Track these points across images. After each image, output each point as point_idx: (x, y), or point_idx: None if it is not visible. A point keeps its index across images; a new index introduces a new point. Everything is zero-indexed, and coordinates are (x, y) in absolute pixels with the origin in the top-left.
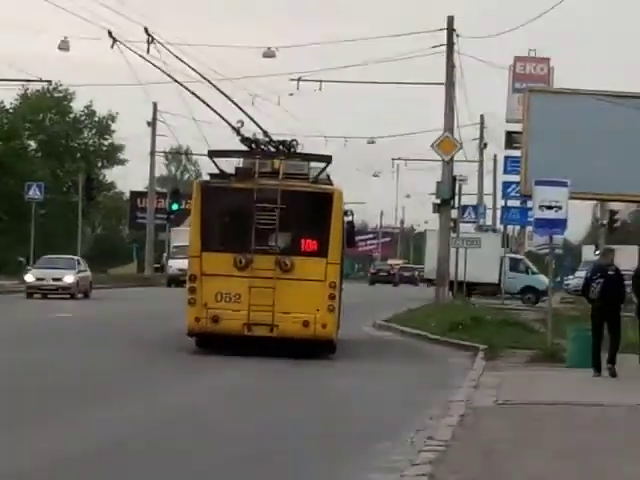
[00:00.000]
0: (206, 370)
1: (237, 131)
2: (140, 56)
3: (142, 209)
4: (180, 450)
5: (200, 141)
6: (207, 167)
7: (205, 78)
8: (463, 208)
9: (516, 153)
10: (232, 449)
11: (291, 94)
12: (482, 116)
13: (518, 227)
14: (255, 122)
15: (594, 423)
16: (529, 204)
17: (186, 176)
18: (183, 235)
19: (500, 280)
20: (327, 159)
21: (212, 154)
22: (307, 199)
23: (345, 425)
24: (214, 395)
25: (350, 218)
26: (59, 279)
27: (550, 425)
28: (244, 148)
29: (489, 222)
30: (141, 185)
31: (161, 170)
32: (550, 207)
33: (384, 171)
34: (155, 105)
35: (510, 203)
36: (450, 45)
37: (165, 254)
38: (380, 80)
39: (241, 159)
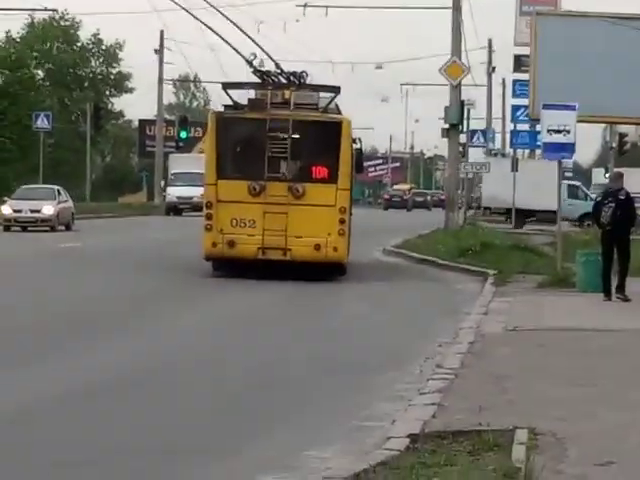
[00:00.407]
0: (217, 294)
1: (250, 63)
2: (180, 6)
3: (151, 137)
4: (183, 378)
5: (209, 67)
6: (215, 94)
7: (220, 12)
8: (472, 132)
9: (525, 76)
10: (235, 378)
11: (297, 20)
12: (490, 40)
13: (527, 151)
14: (267, 54)
15: (602, 348)
16: (538, 127)
17: (195, 103)
18: (182, 162)
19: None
20: (336, 90)
21: (226, 86)
22: (317, 128)
23: (352, 354)
24: (220, 320)
25: (358, 145)
26: (37, 210)
27: (559, 351)
28: (256, 80)
29: (498, 146)
30: (150, 113)
31: (170, 98)
32: (558, 131)
33: (393, 96)
34: (162, 33)
35: (519, 127)
36: None
37: (163, 181)
38: (387, 5)
39: (253, 90)
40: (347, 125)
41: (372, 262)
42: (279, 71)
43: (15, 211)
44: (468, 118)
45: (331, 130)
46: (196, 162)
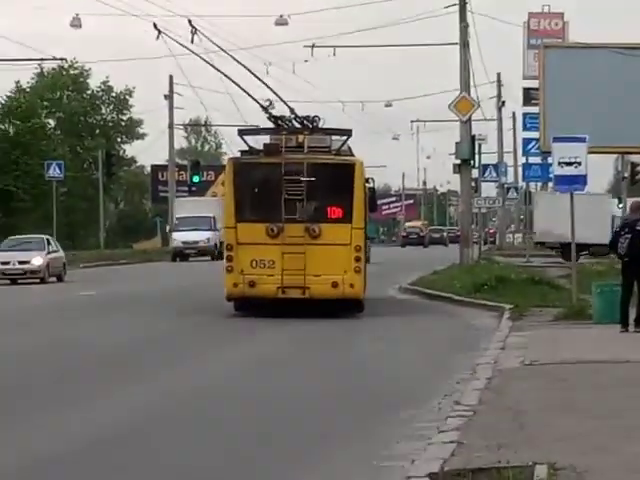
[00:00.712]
0: (240, 336)
1: (265, 109)
2: (183, 46)
3: (164, 182)
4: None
5: (219, 111)
6: (227, 137)
7: (241, 64)
8: (484, 167)
9: (535, 109)
10: (261, 420)
11: (306, 61)
12: (499, 74)
13: (540, 183)
14: (282, 99)
15: (622, 381)
16: (550, 160)
17: (206, 147)
18: (187, 206)
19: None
20: (347, 132)
21: (242, 132)
22: (331, 170)
23: (371, 392)
24: (244, 363)
25: (371, 185)
26: (26, 262)
27: (578, 384)
28: (270, 125)
29: (511, 179)
30: (162, 158)
31: (181, 142)
32: (570, 163)
33: (403, 133)
34: (171, 78)
35: (531, 160)
36: (463, 4)
37: (168, 226)
38: (394, 43)
39: (268, 136)
40: (359, 166)
41: (388, 300)
42: (293, 116)
43: (3, 263)
44: (479, 153)
45: (344, 171)
46: (201, 206)
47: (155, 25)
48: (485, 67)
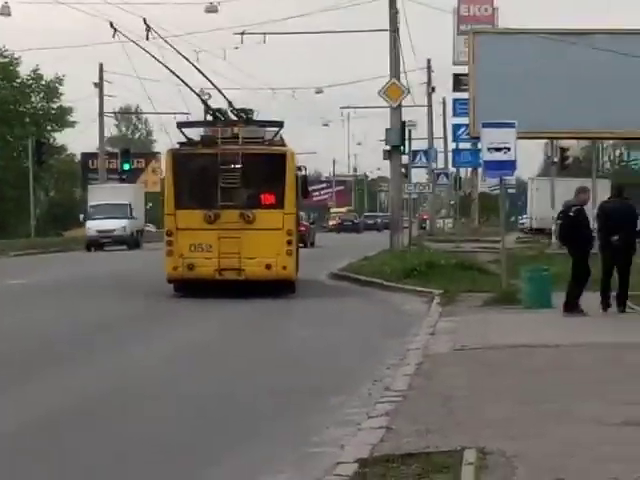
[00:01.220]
0: (180, 315)
1: (205, 103)
2: (137, 44)
3: (94, 170)
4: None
5: (149, 98)
6: (156, 125)
7: (193, 64)
8: (414, 153)
9: (465, 95)
10: (186, 407)
11: (236, 48)
12: (429, 60)
13: (470, 169)
14: (221, 93)
15: (552, 365)
16: (479, 146)
17: (137, 135)
18: (101, 193)
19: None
20: (279, 124)
21: (180, 125)
22: (263, 159)
23: (300, 378)
24: (174, 349)
25: (303, 172)
26: None
27: (507, 369)
28: (208, 117)
29: (441, 165)
30: (92, 147)
31: (112, 130)
32: (499, 149)
33: (334, 120)
34: (101, 66)
35: (461, 145)
36: None
37: (82, 215)
38: (324, 30)
39: (205, 128)
40: (290, 156)
41: (318, 285)
42: (230, 108)
43: None
44: (410, 139)
45: (276, 161)
46: (117, 193)
47: (112, 24)
48: (415, 53)
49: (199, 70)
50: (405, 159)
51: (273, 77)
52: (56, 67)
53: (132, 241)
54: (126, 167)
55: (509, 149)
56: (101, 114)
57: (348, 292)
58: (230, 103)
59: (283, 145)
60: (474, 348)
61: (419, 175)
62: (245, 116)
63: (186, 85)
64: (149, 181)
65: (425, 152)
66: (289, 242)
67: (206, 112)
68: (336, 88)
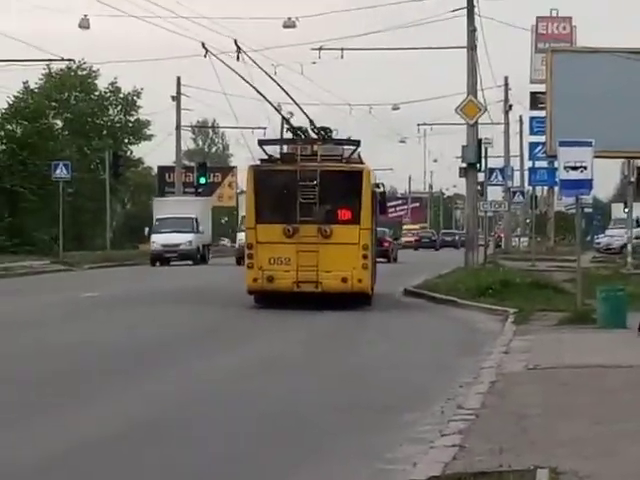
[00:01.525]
0: (255, 329)
1: (287, 121)
2: (228, 66)
3: (170, 184)
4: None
5: (226, 113)
6: (233, 139)
7: (279, 85)
8: (490, 171)
9: (541, 114)
10: (263, 419)
11: (314, 62)
12: (506, 78)
13: (546, 187)
14: (304, 112)
15: (624, 385)
16: (556, 164)
17: (213, 149)
18: (167, 206)
19: None
20: (356, 143)
21: (261, 143)
22: (341, 176)
23: (375, 394)
24: (248, 362)
25: (381, 189)
26: None
27: (581, 389)
28: (288, 134)
29: (517, 183)
30: (169, 160)
31: (188, 144)
32: (575, 167)
33: (410, 137)
34: (179, 79)
35: (537, 164)
36: (470, 8)
37: (147, 228)
38: (402, 46)
39: (285, 145)
40: (367, 173)
41: (394, 301)
42: (312, 127)
43: None
44: (486, 156)
45: (353, 178)
46: (183, 206)
47: (203, 44)
48: (492, 71)
49: (284, 90)
50: (481, 177)
51: (350, 93)
52: (134, 80)
53: (197, 256)
54: (202, 181)
55: (586, 168)
56: (178, 127)
57: (423, 309)
58: (311, 122)
59: (360, 163)
60: (548, 367)
61: (495, 193)
62: (325, 134)
63: (271, 105)
64: (225, 195)
65: (501, 170)
66: (365, 256)
67: (287, 129)
68: (413, 105)
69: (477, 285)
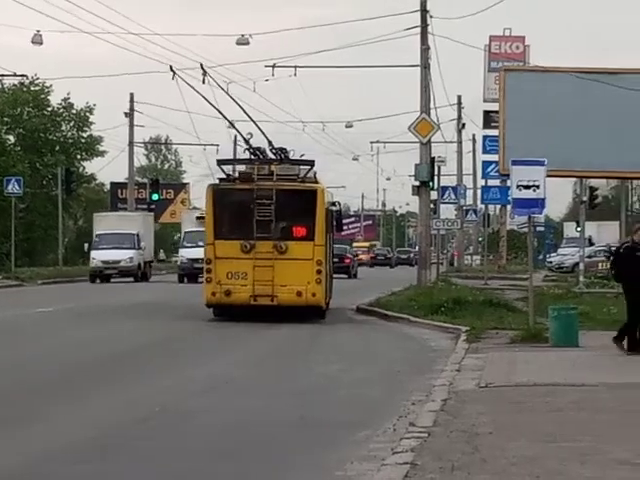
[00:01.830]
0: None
1: (247, 141)
2: (195, 90)
3: (123, 200)
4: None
5: (180, 131)
6: (186, 155)
7: (243, 109)
8: (443, 189)
9: (495, 132)
10: (212, 436)
11: (267, 80)
12: (459, 96)
13: (499, 206)
14: (263, 133)
15: (578, 404)
16: (508, 183)
17: (166, 165)
18: (108, 222)
19: None
20: (311, 163)
21: (220, 162)
22: (296, 195)
23: (325, 412)
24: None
25: (337, 207)
26: None
27: (533, 407)
28: (246, 154)
29: (469, 202)
30: (121, 176)
31: (141, 160)
32: (528, 186)
33: (363, 154)
34: (132, 95)
35: (490, 182)
36: (424, 26)
37: (87, 244)
38: (355, 64)
39: (243, 165)
40: (321, 192)
41: (346, 318)
42: (270, 147)
43: None
44: (439, 175)
45: (308, 197)
46: (124, 221)
47: (171, 67)
48: (446, 89)
49: (246, 112)
50: (434, 195)
51: (303, 111)
52: (87, 96)
53: (139, 273)
54: (155, 197)
55: (538, 187)
56: (131, 144)
57: (375, 325)
58: (270, 142)
59: (315, 182)
60: (500, 386)
61: (447, 211)
62: (282, 154)
63: (233, 127)
64: (177, 212)
65: (454, 188)
66: (319, 271)
67: (246, 149)
68: (366, 123)
69: (430, 303)
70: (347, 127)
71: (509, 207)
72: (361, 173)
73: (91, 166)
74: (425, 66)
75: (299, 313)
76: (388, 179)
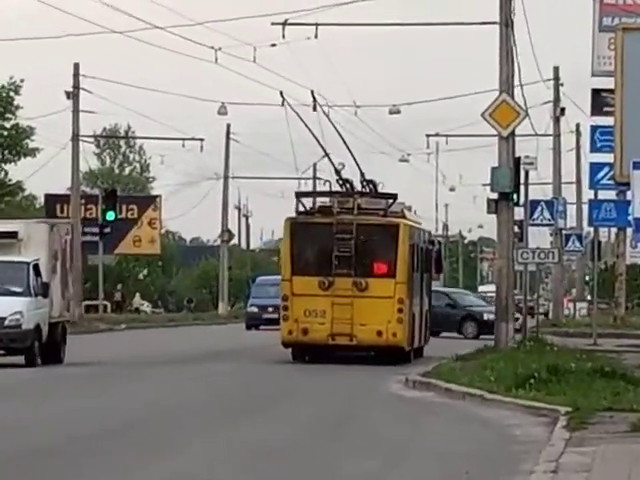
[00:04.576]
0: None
1: (337, 172)
2: (301, 120)
3: (64, 219)
4: None
5: (147, 118)
6: (155, 155)
7: (342, 137)
8: (532, 205)
9: (609, 121)
10: None
11: (273, 44)
12: (556, 69)
13: (614, 230)
14: (358, 165)
15: None
16: (628, 196)
17: (127, 170)
18: None
19: None
20: (393, 196)
21: (299, 195)
22: (377, 230)
23: None
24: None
25: (437, 247)
26: None
27: None
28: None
29: (572, 224)
30: (62, 186)
31: (90, 162)
32: None
33: (415, 153)
34: (77, 66)
35: (602, 195)
36: None
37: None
38: (400, 20)
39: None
40: (404, 227)
41: (388, 399)
42: (362, 178)
43: None
44: (526, 184)
45: (389, 231)
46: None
47: (281, 93)
48: (537, 59)
49: (345, 143)
50: (519, 213)
51: (325, 89)
52: (9, 69)
53: (35, 345)
54: (110, 217)
55: None
56: (76, 137)
57: (432, 406)
58: (362, 174)
59: (402, 216)
60: None
61: (539, 237)
62: (371, 187)
63: (329, 160)
64: (144, 237)
65: (549, 203)
66: (400, 310)
67: (337, 180)
68: (419, 107)
69: (513, 372)
70: (392, 113)
71: (630, 231)
72: (412, 179)
73: (17, 170)
74: (507, 24)
75: (379, 354)
76: (452, 190)
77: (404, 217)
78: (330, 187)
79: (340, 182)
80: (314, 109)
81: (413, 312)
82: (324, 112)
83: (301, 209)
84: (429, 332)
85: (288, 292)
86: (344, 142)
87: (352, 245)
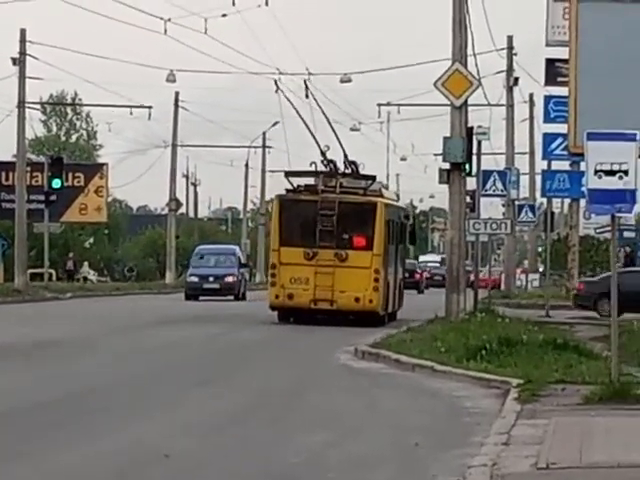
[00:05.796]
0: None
1: (323, 153)
2: (294, 108)
3: (8, 188)
4: None
5: (94, 85)
6: (102, 122)
7: (329, 121)
8: (485, 175)
9: (563, 91)
10: None
11: (224, 15)
12: (510, 37)
13: (568, 200)
14: (343, 148)
15: None
16: (582, 166)
17: (74, 137)
18: None
19: None
20: (372, 177)
21: (288, 174)
22: (357, 208)
23: None
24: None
25: (411, 221)
26: None
27: None
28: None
29: (525, 194)
30: (7, 153)
31: (37, 129)
32: (612, 172)
33: (367, 122)
34: (23, 32)
35: (556, 165)
36: None
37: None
38: None
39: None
40: (381, 205)
41: (337, 371)
42: (345, 159)
43: None
44: (479, 154)
45: (368, 209)
46: None
47: (276, 82)
48: (490, 27)
49: (331, 126)
50: (472, 183)
51: (278, 59)
52: None
53: None
54: (56, 184)
55: (627, 173)
56: (22, 104)
57: (381, 378)
58: (346, 156)
59: (380, 195)
60: (568, 467)
61: (492, 208)
62: (353, 167)
63: (314, 139)
64: (90, 205)
65: (502, 174)
66: (376, 279)
67: (322, 161)
68: (371, 76)
69: (464, 344)
70: (343, 82)
71: (583, 202)
72: (363, 149)
73: None
74: None
75: (357, 318)
76: (404, 159)
77: (382, 196)
78: (316, 167)
79: (325, 163)
80: (306, 96)
81: (388, 281)
82: (315, 99)
83: (289, 187)
84: (402, 298)
85: (276, 261)
86: (330, 125)
87: (334, 220)
